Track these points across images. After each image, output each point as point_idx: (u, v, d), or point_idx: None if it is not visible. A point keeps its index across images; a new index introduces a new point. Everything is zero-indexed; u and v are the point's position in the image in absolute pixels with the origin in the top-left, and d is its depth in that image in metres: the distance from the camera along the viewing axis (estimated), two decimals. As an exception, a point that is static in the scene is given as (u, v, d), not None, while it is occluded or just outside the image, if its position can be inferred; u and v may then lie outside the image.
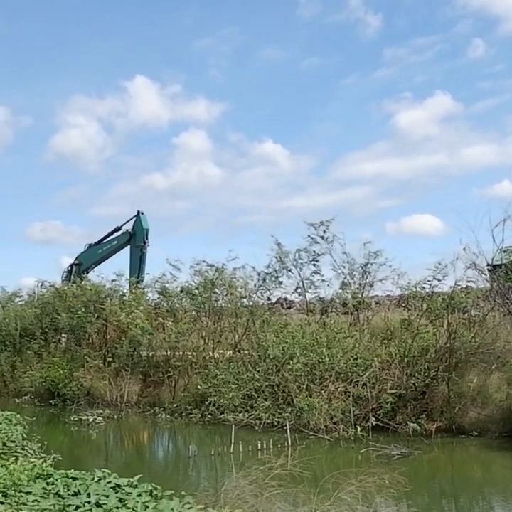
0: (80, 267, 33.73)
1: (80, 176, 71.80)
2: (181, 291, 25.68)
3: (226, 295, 24.33)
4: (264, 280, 25.92)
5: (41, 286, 30.81)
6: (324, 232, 24.32)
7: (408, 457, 15.32)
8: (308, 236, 24.57)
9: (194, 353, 23.29)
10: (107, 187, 75.16)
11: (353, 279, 23.84)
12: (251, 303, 25.24)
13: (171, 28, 68.16)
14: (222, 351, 23.46)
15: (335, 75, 69.27)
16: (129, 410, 23.41)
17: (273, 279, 25.91)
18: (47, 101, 70.51)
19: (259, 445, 16.36)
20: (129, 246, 32.25)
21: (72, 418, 22.22)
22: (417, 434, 17.04)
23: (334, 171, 65.84)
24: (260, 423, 18.76)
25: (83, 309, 27.63)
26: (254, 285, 25.68)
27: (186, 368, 23.01)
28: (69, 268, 34.37)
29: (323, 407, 18.13)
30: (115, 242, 33.19)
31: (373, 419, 17.72)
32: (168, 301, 25.47)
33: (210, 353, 23.30)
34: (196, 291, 25.18)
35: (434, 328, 19.50)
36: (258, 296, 25.96)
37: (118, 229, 32.92)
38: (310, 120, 69.28)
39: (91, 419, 21.65)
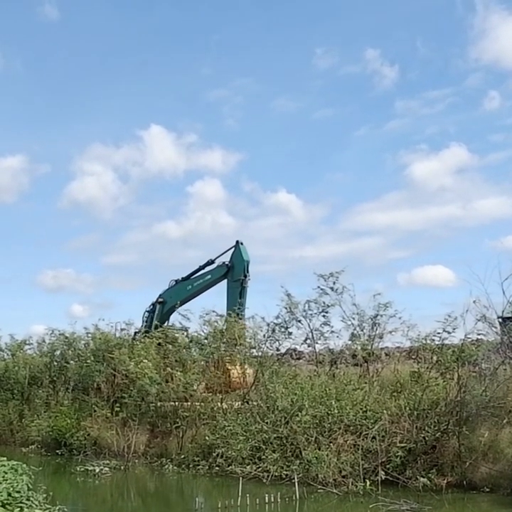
0: (164, 306, 31.20)
1: (93, 223, 72.82)
2: (190, 341, 25.65)
3: (235, 346, 24.24)
4: (273, 330, 25.86)
5: (51, 334, 30.76)
6: (334, 283, 24.31)
7: (418, 513, 15.08)
8: (318, 287, 24.61)
9: (202, 404, 23.14)
10: (119, 235, 76.21)
11: (362, 330, 23.74)
12: (260, 353, 25.17)
13: (188, 77, 70.16)
14: (230, 402, 23.33)
15: (348, 125, 70.73)
16: (136, 461, 23.20)
17: (282, 329, 25.86)
18: (64, 149, 72.29)
19: (266, 498, 16.15)
20: (225, 281, 29.73)
21: (78, 468, 22.03)
22: (427, 489, 16.76)
23: (346, 221, 66.41)
24: (268, 476, 18.54)
25: (92, 358, 27.69)
26: (264, 335, 25.65)
27: (194, 418, 22.85)
28: (151, 307, 31.86)
29: (332, 460, 17.91)
30: (209, 277, 30.43)
31: (383, 473, 17.46)
32: (177, 351, 25.36)
33: (219, 403, 23.16)
34: (205, 341, 25.14)
35: (444, 381, 19.34)
36: (267, 347, 25.92)
37: (211, 262, 30.44)
38: (323, 170, 70.41)
39: (97, 470, 21.47)
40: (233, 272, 29.24)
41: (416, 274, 63.66)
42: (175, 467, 21.78)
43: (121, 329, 28.59)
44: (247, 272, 28.96)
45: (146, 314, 31.68)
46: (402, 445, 17.81)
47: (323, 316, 24.70)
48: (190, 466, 21.34)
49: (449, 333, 20.24)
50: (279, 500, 16.33)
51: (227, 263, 29.62)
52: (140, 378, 23.64)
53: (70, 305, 61.61)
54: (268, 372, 23.11)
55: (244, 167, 71.14)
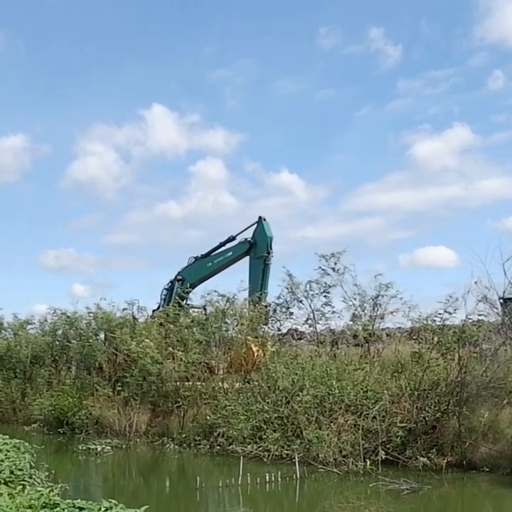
0: (183, 283, 30.27)
1: (95, 203, 72.64)
2: (192, 321, 25.65)
3: (237, 325, 24.28)
4: (274, 311, 25.96)
5: (53, 313, 30.80)
6: (335, 263, 24.36)
7: (418, 492, 15.13)
8: (320, 267, 24.64)
9: (203, 384, 23.21)
10: (121, 215, 76.01)
11: (363, 311, 23.79)
12: (261, 333, 25.22)
13: (190, 57, 69.46)
14: (231, 382, 23.40)
15: (350, 105, 70.11)
16: (138, 440, 23.32)
17: (284, 310, 25.96)
18: (66, 129, 71.84)
19: (267, 477, 16.24)
20: (247, 258, 28.87)
21: (80, 447, 22.14)
22: (427, 469, 16.84)
23: (348, 202, 66.22)
24: (269, 455, 18.63)
25: (94, 337, 27.76)
26: (265, 316, 25.71)
27: (196, 398, 22.93)
28: (169, 285, 31.08)
29: (333, 439, 17.99)
30: (230, 254, 29.61)
31: (383, 452, 17.54)
32: (179, 330, 25.37)
33: (220, 383, 23.23)
34: (207, 321, 25.16)
35: (445, 362, 19.38)
36: (269, 327, 25.99)
37: (232, 238, 29.49)
38: (325, 151, 69.97)
39: (99, 449, 21.57)
40: (256, 249, 28.47)
41: (418, 254, 63.75)
42: (176, 446, 21.89)
43: (123, 309, 28.57)
44: (271, 248, 28.13)
45: (164, 292, 31.00)
46: (403, 425, 17.89)
47: (325, 296, 24.83)
48: (192, 445, 21.45)
49: (450, 313, 20.28)
50: (279, 479, 16.41)
51: (249, 239, 28.82)
52: (142, 358, 23.71)
53: (72, 285, 61.74)
54: (269, 353, 23.16)
55: (247, 147, 70.94)
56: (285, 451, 18.50)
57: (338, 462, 17.59)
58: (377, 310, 23.58)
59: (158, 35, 70.55)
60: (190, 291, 29.70)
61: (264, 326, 25.77)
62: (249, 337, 24.47)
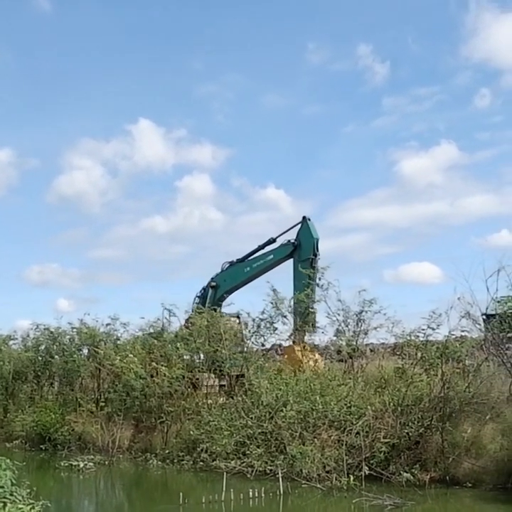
0: (217, 290, 29.01)
1: (81, 218, 72.59)
2: (176, 336, 25.58)
3: (220, 341, 24.23)
4: (258, 326, 25.97)
5: (36, 329, 30.60)
6: (319, 279, 24.49)
7: (401, 508, 15.13)
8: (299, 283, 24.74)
9: (187, 399, 23.14)
10: (107, 229, 75.97)
11: (347, 326, 23.86)
12: (245, 349, 25.21)
13: (178, 72, 69.97)
14: (215, 397, 23.35)
15: (336, 121, 70.64)
16: (121, 456, 23.19)
17: (268, 325, 25.97)
18: (53, 143, 71.75)
19: (251, 493, 16.21)
20: (291, 261, 27.19)
21: (62, 463, 21.99)
22: (410, 485, 16.84)
23: (333, 217, 66.36)
24: (252, 471, 18.58)
25: (77, 353, 27.65)
26: (249, 331, 25.73)
27: (179, 413, 22.86)
28: (202, 292, 29.73)
29: (316, 455, 17.95)
30: (271, 257, 27.92)
31: (366, 468, 17.52)
32: (163, 346, 25.29)
33: (203, 399, 23.17)
34: (191, 337, 25.10)
35: (428, 377, 19.44)
36: (253, 342, 25.97)
37: (272, 241, 27.91)
38: (312, 166, 70.32)
39: (81, 465, 21.42)
40: (301, 251, 26.61)
41: (402, 270, 64.06)
42: (159, 462, 21.78)
43: (107, 324, 28.44)
44: (317, 250, 26.25)
45: (197, 299, 29.56)
46: (386, 440, 17.90)
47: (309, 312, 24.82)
48: (175, 461, 21.36)
49: (433, 329, 20.34)
50: (263, 495, 16.38)
51: (293, 241, 27.09)
52: (125, 373, 23.63)
53: (56, 300, 61.37)
54: (253, 368, 23.15)
55: (234, 162, 71.14)
56: (269, 467, 18.45)
57: (321, 478, 17.56)
58: (361, 326, 23.65)
59: (146, 49, 70.89)
60: (225, 299, 28.77)
61: (311, 333, 25.03)
62: (295, 346, 24.34)
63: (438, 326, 20.20)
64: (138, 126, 71.62)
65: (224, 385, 24.80)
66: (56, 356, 28.53)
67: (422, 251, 66.30)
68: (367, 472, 17.45)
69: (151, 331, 26.87)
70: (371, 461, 17.72)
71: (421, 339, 20.66)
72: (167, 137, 72.33)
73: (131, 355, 24.24)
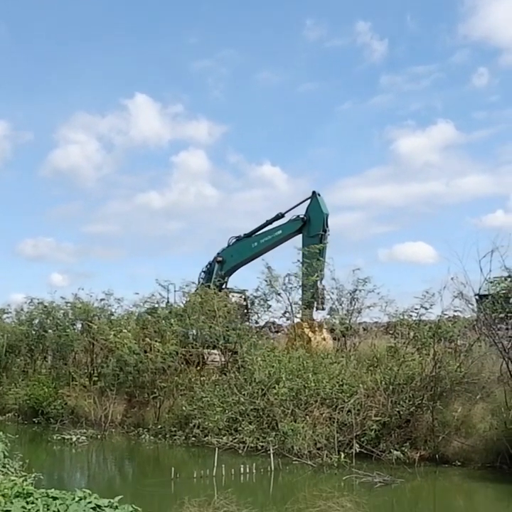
0: (223, 265, 28.53)
1: (75, 192, 72.22)
2: (170, 312, 25.61)
3: (215, 318, 24.27)
4: (252, 303, 26.04)
5: (30, 302, 30.62)
6: (317, 259, 24.50)
7: (391, 485, 15.28)
8: (298, 261, 24.76)
9: (180, 375, 23.22)
10: (101, 204, 75.61)
11: (341, 305, 24.00)
12: (239, 326, 25.26)
13: (174, 47, 69.01)
14: (208, 373, 23.43)
15: (333, 99, 70.13)
16: (113, 430, 23.31)
17: (262, 302, 26.04)
18: (48, 116, 71.12)
19: (242, 469, 16.35)
20: (300, 236, 26.55)
21: (55, 437, 22.09)
22: (400, 462, 16.97)
23: (328, 196, 65.57)
24: (244, 447, 18.72)
25: (71, 327, 27.68)
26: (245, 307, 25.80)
27: (172, 389, 22.95)
28: (208, 267, 29.22)
29: (308, 432, 18.09)
30: (279, 232, 27.28)
31: (357, 445, 17.67)
32: (157, 321, 25.33)
33: (196, 375, 23.25)
34: (185, 313, 25.13)
35: (420, 357, 19.53)
36: (247, 319, 26.05)
37: (281, 216, 27.37)
38: (307, 144, 70.05)
39: (74, 439, 21.56)
40: (310, 227, 26.07)
41: (397, 250, 63.90)
42: (151, 437, 21.92)
43: (101, 299, 28.45)
44: (327, 226, 25.84)
45: (202, 274, 29.13)
46: (377, 419, 18.02)
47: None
48: (167, 436, 21.49)
49: (426, 309, 20.43)
50: (254, 471, 16.51)
51: (302, 216, 26.56)
52: (119, 348, 23.69)
53: (50, 274, 61.20)
54: (246, 345, 23.23)
55: (230, 139, 70.71)
56: (260, 443, 18.60)
57: (312, 455, 17.72)
58: (355, 304, 23.78)
59: (143, 24, 70.31)
60: (231, 274, 28.51)
61: (318, 310, 24.96)
62: (304, 322, 24.31)
63: (431, 305, 20.31)
64: (134, 101, 71.26)
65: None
66: (49, 330, 28.58)
67: (417, 230, 66.27)
68: (357, 450, 17.60)
69: (146, 306, 26.90)
70: (362, 439, 17.86)
71: (414, 319, 20.77)
72: (163, 112, 71.97)
73: (125, 331, 24.29)
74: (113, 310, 28.36)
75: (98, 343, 26.22)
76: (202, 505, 6.82)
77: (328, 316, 24.56)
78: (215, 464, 16.21)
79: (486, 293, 18.56)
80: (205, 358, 24.57)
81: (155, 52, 70.21)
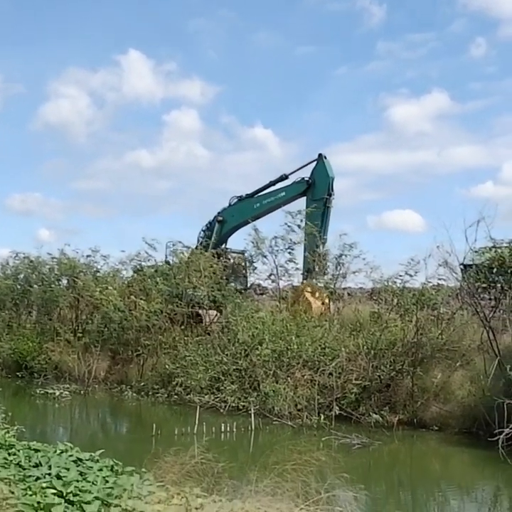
0: (224, 225, 27.88)
1: (65, 148, 71.28)
2: (155, 271, 25.61)
3: (200, 278, 24.31)
4: (238, 264, 26.09)
5: (15, 257, 30.52)
6: (301, 221, 24.53)
7: (369, 448, 15.55)
8: (286, 224, 24.77)
9: (164, 334, 23.35)
10: (90, 161, 75.05)
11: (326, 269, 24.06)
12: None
13: (170, 4, 67.73)
14: (191, 332, 23.56)
15: (328, 64, 69.38)
16: (96, 386, 23.47)
17: (248, 264, 26.09)
18: (39, 69, 69.60)
19: (223, 427, 16.56)
20: (304, 199, 25.91)
21: (38, 391, 22.24)
22: (378, 426, 17.25)
23: (320, 161, 65.66)
24: (225, 406, 18.93)
25: (56, 283, 27.66)
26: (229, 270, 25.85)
27: (156, 347, 23.10)
28: (207, 226, 28.48)
29: (289, 393, 18.30)
30: (282, 194, 26.50)
31: (337, 408, 17.91)
32: (142, 280, 25.36)
33: (180, 334, 23.38)
34: (171, 272, 25.16)
35: (402, 323, 19.71)
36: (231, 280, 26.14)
37: (285, 177, 26.55)
38: (301, 107, 69.26)
39: (57, 394, 21.71)
40: (314, 190, 25.37)
41: (386, 217, 63.79)
42: (134, 394, 22.10)
43: (87, 256, 28.39)
44: (332, 190, 25.17)
45: (202, 234, 28.47)
46: (358, 382, 18.25)
47: (289, 253, 24.99)
48: (150, 393, 21.67)
49: (410, 276, 20.62)
50: (235, 430, 16.73)
51: (307, 178, 25.90)
52: (104, 305, 23.76)
53: (38, 230, 60.67)
54: (231, 306, 23.34)
55: (223, 100, 69.80)
56: (242, 403, 18.78)
57: (292, 416, 17.94)
58: (340, 269, 23.89)
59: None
60: (231, 234, 28.21)
61: (321, 274, 24.56)
62: (305, 287, 24.10)
63: (416, 273, 20.49)
64: (127, 57, 70.39)
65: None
66: (35, 285, 28.53)
67: (406, 199, 66.48)
68: (337, 412, 17.84)
69: (133, 264, 26.92)
70: (342, 402, 18.11)
71: (398, 285, 20.93)
72: (157, 70, 71.00)
73: (111, 288, 24.33)
74: (99, 267, 28.36)
75: (83, 300, 26.26)
76: (177, 454, 6.97)
77: (314, 281, 24.64)
78: (197, 422, 16.41)
79: (471, 263, 18.66)
80: (203, 318, 24.56)
81: (150, 9, 68.92)
